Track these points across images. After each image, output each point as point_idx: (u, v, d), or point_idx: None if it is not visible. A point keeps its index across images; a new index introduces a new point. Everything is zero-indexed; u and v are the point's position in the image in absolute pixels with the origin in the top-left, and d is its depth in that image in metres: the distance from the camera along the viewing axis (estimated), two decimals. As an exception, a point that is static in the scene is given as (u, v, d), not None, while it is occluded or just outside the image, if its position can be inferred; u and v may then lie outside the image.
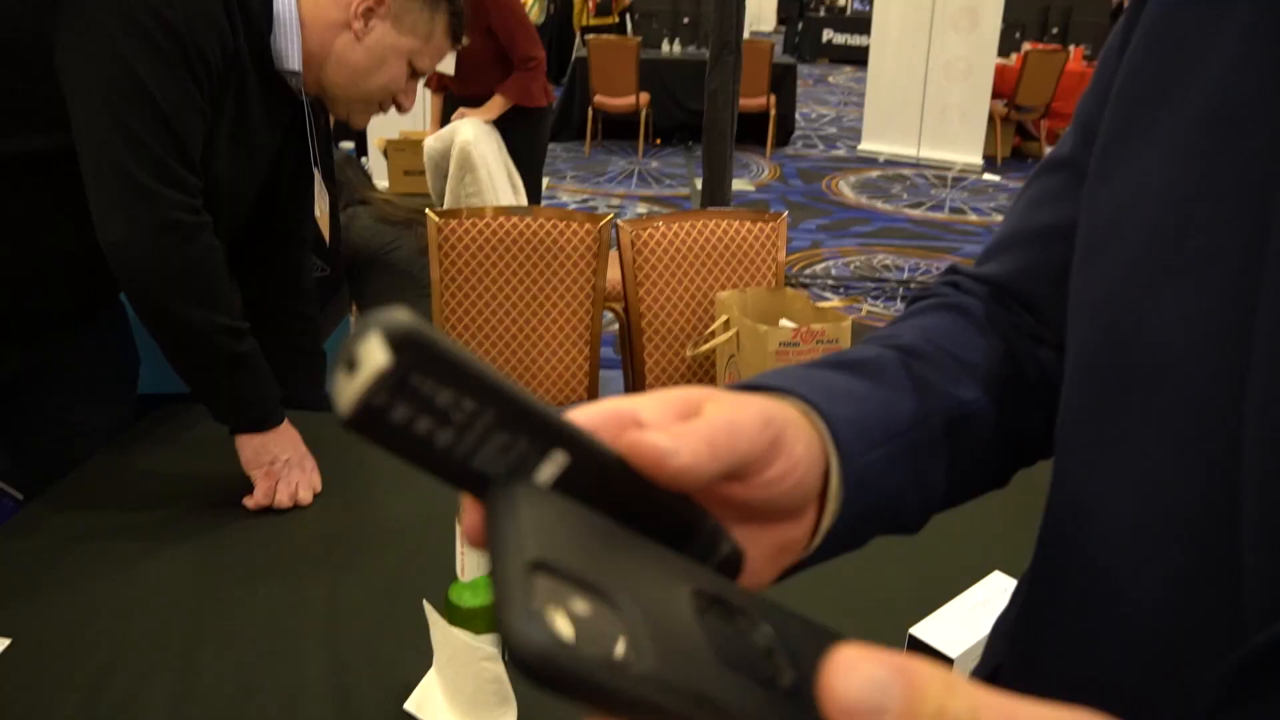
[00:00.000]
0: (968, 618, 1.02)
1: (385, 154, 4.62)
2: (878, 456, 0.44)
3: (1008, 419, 0.53)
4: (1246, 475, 0.34)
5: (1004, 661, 0.58)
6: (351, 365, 0.24)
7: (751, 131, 7.55)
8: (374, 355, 0.24)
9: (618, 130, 7.81)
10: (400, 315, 0.24)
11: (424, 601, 0.99)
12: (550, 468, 0.29)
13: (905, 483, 0.46)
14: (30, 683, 1.06)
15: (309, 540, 1.33)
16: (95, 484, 1.47)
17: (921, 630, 1.00)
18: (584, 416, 0.33)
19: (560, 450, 0.29)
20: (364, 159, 5.51)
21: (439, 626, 0.95)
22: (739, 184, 6.22)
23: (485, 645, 0.93)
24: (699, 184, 6.46)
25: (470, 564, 0.92)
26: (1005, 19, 7.38)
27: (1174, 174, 0.40)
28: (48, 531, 1.35)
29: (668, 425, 0.34)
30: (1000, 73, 7.39)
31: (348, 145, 5.67)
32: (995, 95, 7.41)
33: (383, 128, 5.15)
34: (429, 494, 1.37)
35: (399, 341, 0.24)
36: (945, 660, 0.97)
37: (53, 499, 1.43)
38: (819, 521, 0.43)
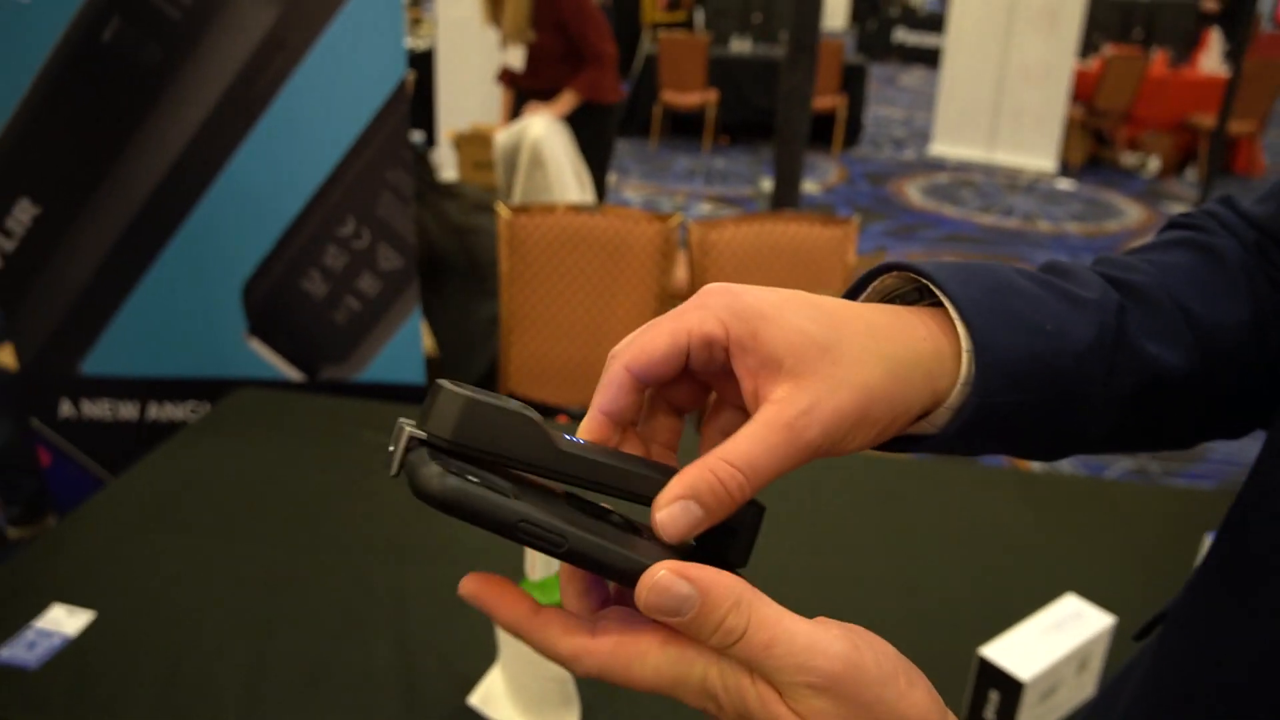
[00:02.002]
0: (1040, 641, 1.00)
1: (456, 146, 4.66)
2: (1019, 400, 0.41)
3: (1222, 388, 0.48)
4: None
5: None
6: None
7: (819, 132, 7.47)
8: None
9: (684, 127, 7.79)
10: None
11: (492, 597, 1.01)
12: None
13: (1044, 426, 0.43)
14: (113, 655, 1.10)
15: (380, 531, 1.36)
16: (172, 466, 1.52)
17: (992, 651, 0.98)
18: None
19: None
20: (432, 148, 5.57)
21: (507, 623, 0.96)
22: (805, 185, 6.16)
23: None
24: (764, 184, 6.41)
25: (540, 563, 0.93)
26: (1086, 21, 7.18)
27: None
28: (127, 510, 1.40)
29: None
30: (1079, 76, 7.20)
31: (418, 135, 5.74)
32: (1074, 100, 7.23)
33: (454, 119, 5.22)
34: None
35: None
36: (1016, 685, 0.95)
37: (132, 479, 1.48)
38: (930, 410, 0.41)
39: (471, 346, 2.61)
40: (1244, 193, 0.53)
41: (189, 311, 2.06)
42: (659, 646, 0.33)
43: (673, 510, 0.35)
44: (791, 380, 0.36)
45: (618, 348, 0.38)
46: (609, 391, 0.38)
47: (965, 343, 0.40)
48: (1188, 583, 0.51)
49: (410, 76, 4.91)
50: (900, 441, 0.42)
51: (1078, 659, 1.01)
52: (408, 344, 2.12)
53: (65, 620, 1.14)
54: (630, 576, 0.32)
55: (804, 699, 0.32)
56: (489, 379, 2.55)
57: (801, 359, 0.36)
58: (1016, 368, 0.40)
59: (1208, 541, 0.50)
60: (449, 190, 2.66)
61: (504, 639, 0.99)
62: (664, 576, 0.32)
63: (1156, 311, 0.46)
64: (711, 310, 0.37)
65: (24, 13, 1.83)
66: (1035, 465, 2.33)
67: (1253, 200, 0.53)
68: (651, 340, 0.37)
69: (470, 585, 0.35)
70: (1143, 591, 1.16)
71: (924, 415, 0.41)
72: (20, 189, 1.95)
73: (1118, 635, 1.05)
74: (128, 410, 2.14)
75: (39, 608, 1.16)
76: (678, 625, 0.32)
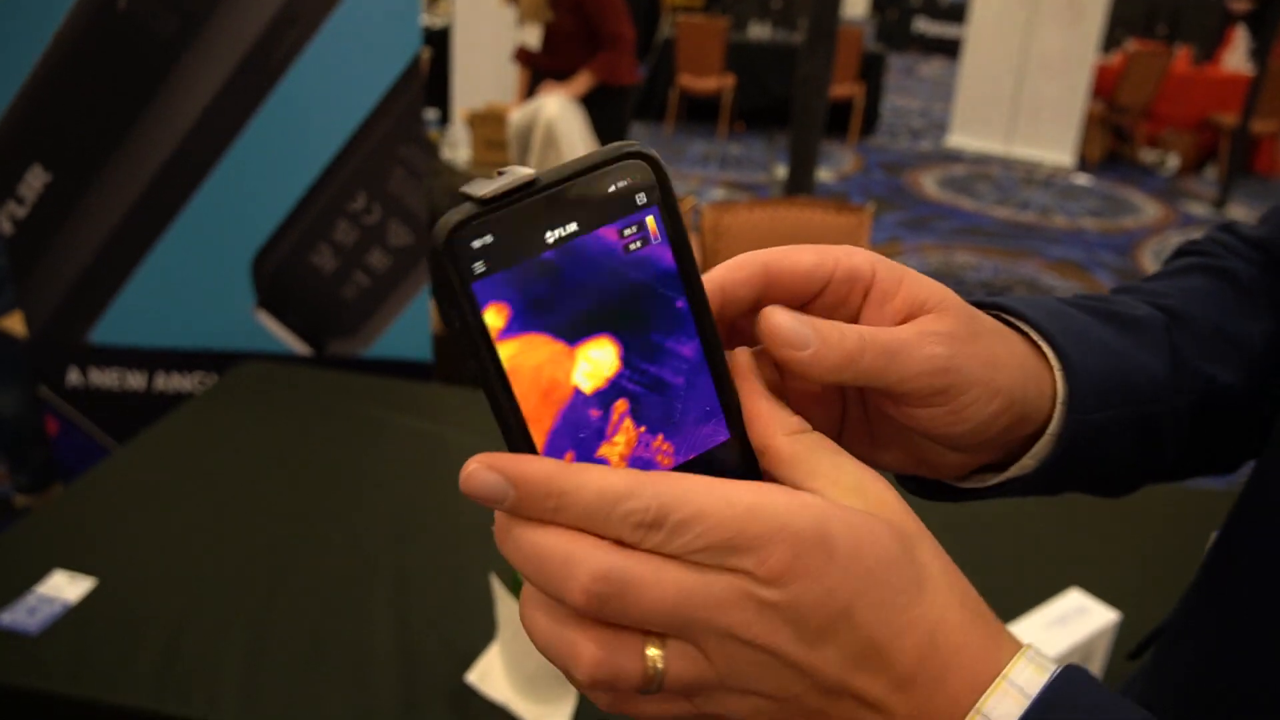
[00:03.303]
0: (1043, 636, 0.99)
1: (470, 124, 4.65)
2: (1107, 418, 0.41)
3: (1264, 405, 0.48)
4: None
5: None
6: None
7: (836, 120, 7.42)
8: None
9: (700, 112, 7.75)
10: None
11: (491, 575, 1.00)
12: None
13: (1127, 449, 0.43)
14: (114, 622, 1.10)
15: (381, 508, 1.35)
16: (178, 437, 1.52)
17: (993, 645, 0.97)
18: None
19: None
20: (447, 126, 5.55)
21: (505, 602, 0.95)
22: (820, 173, 6.13)
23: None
24: (779, 171, 6.38)
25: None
26: (1109, 15, 7.11)
27: None
28: (132, 479, 1.40)
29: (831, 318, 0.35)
30: (1100, 71, 7.13)
31: (432, 113, 5.72)
32: (1095, 95, 7.16)
33: (469, 98, 5.20)
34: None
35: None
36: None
37: (137, 449, 1.48)
38: (1013, 449, 0.41)
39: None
40: (1246, 218, 0.54)
41: (198, 283, 2.06)
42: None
43: (789, 320, 0.34)
44: (933, 317, 0.36)
45: (753, 253, 0.37)
46: (735, 273, 0.35)
47: (1055, 362, 0.40)
48: (1184, 597, 0.51)
49: (425, 54, 4.89)
50: (994, 488, 0.42)
51: (1081, 654, 1.00)
52: (416, 320, 2.11)
53: (66, 586, 1.14)
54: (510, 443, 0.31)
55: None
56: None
57: (944, 305, 0.36)
58: (1101, 384, 0.40)
59: (1214, 539, 0.50)
60: (456, 172, 2.65)
61: (504, 617, 0.99)
62: (474, 467, 0.30)
63: (1198, 333, 0.46)
64: (859, 253, 0.36)
65: (39, -21, 1.83)
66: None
67: (1255, 227, 0.54)
68: (798, 252, 0.36)
69: (478, 463, 0.30)
70: (1148, 587, 1.15)
71: (1024, 445, 0.40)
72: (33, 156, 1.95)
73: (1122, 631, 1.04)
74: (136, 380, 2.15)
75: (41, 574, 1.16)
76: (508, 511, 0.30)
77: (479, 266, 0.29)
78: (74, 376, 2.14)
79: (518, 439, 0.31)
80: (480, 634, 1.08)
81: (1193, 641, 0.48)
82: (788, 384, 0.38)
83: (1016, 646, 0.31)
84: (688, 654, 0.30)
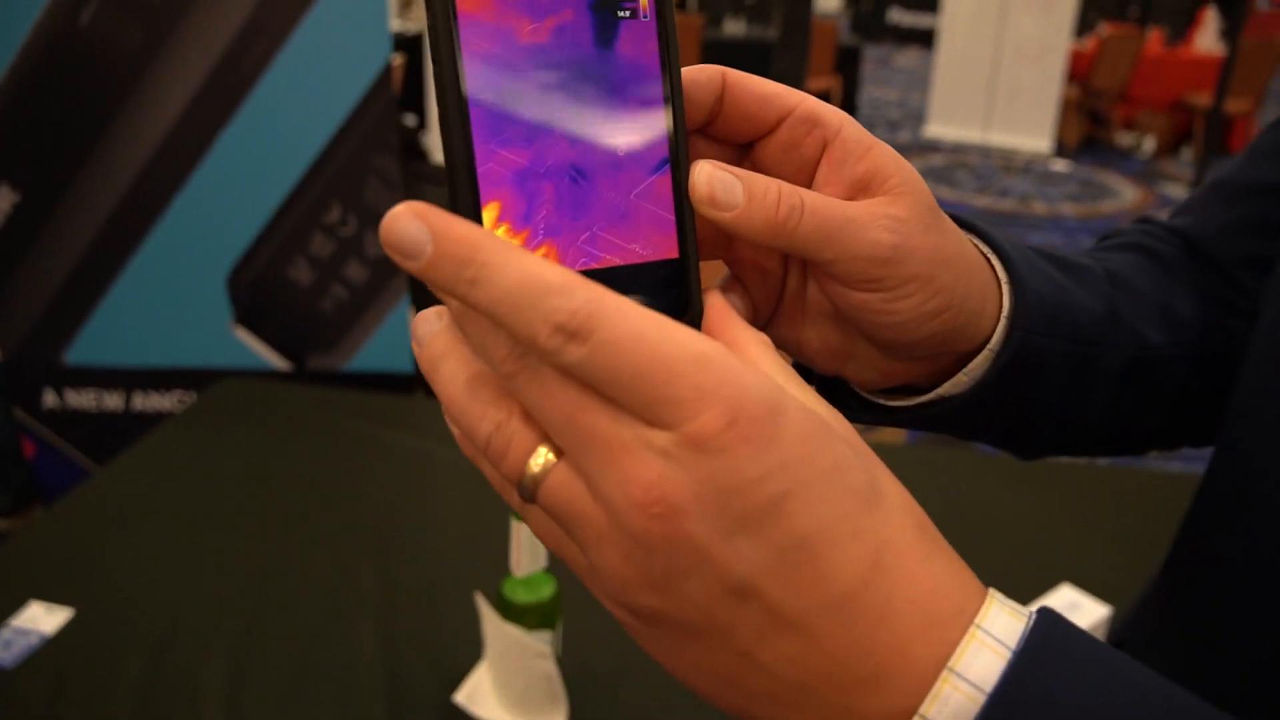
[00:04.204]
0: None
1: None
2: (1048, 345, 0.39)
3: (1188, 379, 0.47)
4: None
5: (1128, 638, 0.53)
6: None
7: (814, 113, 7.43)
8: None
9: (677, 109, 7.76)
10: None
11: (476, 594, 0.99)
12: None
13: (1058, 389, 0.41)
14: (92, 653, 1.08)
15: (365, 526, 1.33)
16: (157, 458, 1.49)
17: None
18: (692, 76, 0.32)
19: None
20: (424, 131, 5.51)
21: (491, 621, 0.94)
22: (799, 166, 6.11)
23: (538, 642, 0.92)
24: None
25: (525, 559, 0.91)
26: None
27: None
28: (109, 504, 1.37)
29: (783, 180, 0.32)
30: (1074, 56, 7.16)
31: (411, 118, 5.68)
32: (1070, 79, 7.19)
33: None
34: (485, 485, 1.37)
35: None
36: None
37: (114, 472, 1.45)
38: (946, 372, 0.39)
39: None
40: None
41: (174, 300, 2.03)
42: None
43: (720, 174, 0.30)
44: (889, 198, 0.33)
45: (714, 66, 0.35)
46: (695, 73, 0.33)
47: (1003, 275, 0.39)
48: (1143, 598, 0.51)
49: (399, 60, 4.86)
50: (925, 406, 0.40)
51: (1073, 652, 0.99)
52: (396, 332, 2.09)
53: (43, 618, 1.11)
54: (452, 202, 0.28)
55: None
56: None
57: (905, 188, 0.33)
58: (1047, 311, 0.39)
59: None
60: (439, 175, 2.63)
61: (490, 635, 0.97)
62: (400, 210, 0.25)
63: (1134, 295, 0.46)
64: (829, 105, 0.34)
65: (-2, -4, 1.80)
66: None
67: (1171, 217, 0.54)
68: (760, 79, 0.33)
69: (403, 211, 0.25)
70: (1140, 582, 1.15)
71: (954, 367, 0.39)
72: (0, 176, 1.92)
73: (1113, 626, 1.03)
74: (113, 400, 2.12)
75: (16, 605, 1.13)
76: (418, 275, 0.25)
77: None
78: (50, 398, 2.11)
79: (462, 186, 0.27)
80: (468, 653, 1.06)
81: (1157, 652, 0.47)
82: (735, 242, 0.35)
83: (982, 589, 0.26)
84: (571, 482, 0.25)
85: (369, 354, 2.10)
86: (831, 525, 0.24)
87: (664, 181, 0.30)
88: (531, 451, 0.26)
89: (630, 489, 0.24)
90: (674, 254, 0.31)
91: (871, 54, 11.61)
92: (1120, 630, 0.54)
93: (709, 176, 0.30)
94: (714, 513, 0.24)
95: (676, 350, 0.24)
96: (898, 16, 13.14)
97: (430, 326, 0.29)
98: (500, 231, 0.28)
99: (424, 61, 5.51)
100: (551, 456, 0.26)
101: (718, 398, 0.23)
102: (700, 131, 0.34)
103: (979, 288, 0.37)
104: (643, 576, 0.25)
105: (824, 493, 0.24)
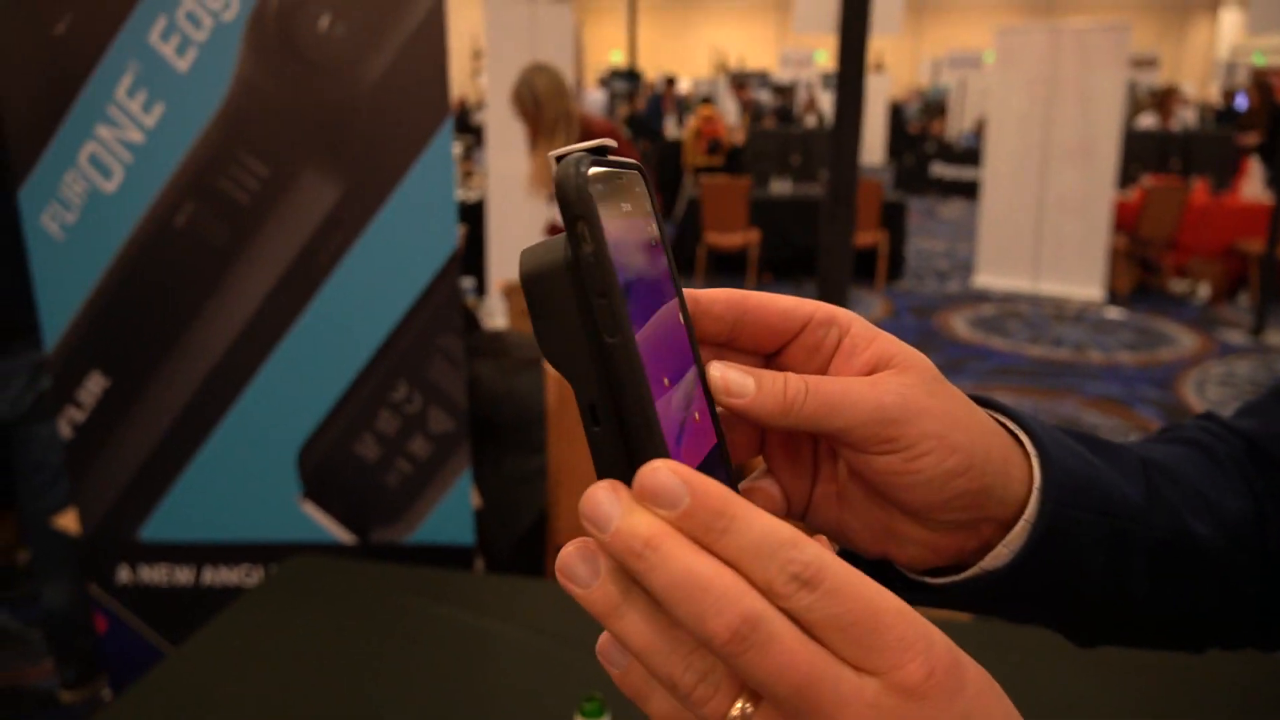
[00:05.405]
0: None
1: (506, 295, 4.79)
2: (1082, 518, 0.40)
3: (1238, 582, 0.47)
4: None
5: None
6: None
7: (862, 267, 7.57)
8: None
9: (728, 266, 7.96)
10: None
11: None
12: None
13: (1099, 565, 0.42)
14: None
15: (427, 709, 1.33)
16: (229, 639, 1.52)
17: None
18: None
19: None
20: (483, 296, 5.72)
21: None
22: (850, 319, 6.17)
23: None
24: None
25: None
26: (1121, 153, 7.28)
27: None
28: (182, 688, 1.39)
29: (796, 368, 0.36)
30: (1120, 206, 7.26)
31: (469, 282, 5.91)
32: (1117, 229, 7.27)
33: (504, 268, 5.38)
34: (544, 667, 1.37)
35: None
36: None
37: (187, 654, 1.48)
38: (985, 546, 0.40)
39: (517, 500, 2.61)
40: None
41: (246, 477, 2.11)
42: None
43: (732, 372, 0.35)
44: (893, 371, 0.37)
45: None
46: (711, 293, 0.37)
47: (1031, 449, 0.40)
48: None
49: (461, 229, 5.10)
50: (970, 581, 0.41)
51: None
52: (458, 504, 2.13)
53: (112, 816, 1.12)
54: (641, 445, 0.29)
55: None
56: (538, 530, 2.54)
57: (908, 363, 0.37)
58: (1078, 484, 0.40)
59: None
60: (496, 343, 2.73)
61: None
62: (659, 465, 0.29)
63: (1176, 483, 0.46)
64: (839, 308, 0.38)
65: (107, 201, 1.96)
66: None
67: (1234, 415, 0.55)
68: (777, 296, 0.38)
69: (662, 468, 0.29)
70: None
71: (985, 546, 0.40)
72: (93, 363, 2.05)
73: None
74: (184, 575, 2.17)
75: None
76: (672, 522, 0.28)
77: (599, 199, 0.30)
78: (124, 574, 2.17)
79: (640, 424, 0.29)
80: None
81: None
82: (768, 437, 0.40)
83: None
84: None
85: (430, 527, 2.14)
86: None
87: (695, 376, 0.35)
88: (735, 698, 0.29)
89: None
90: (715, 439, 0.35)
91: (916, 205, 11.89)
92: None
93: (722, 371, 0.35)
94: None
95: (884, 602, 0.28)
96: (940, 170, 13.48)
97: (610, 601, 0.30)
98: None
99: (483, 228, 5.79)
100: (750, 706, 0.29)
101: (916, 650, 0.27)
102: (728, 345, 0.39)
103: (999, 451, 0.39)
104: None
105: None
